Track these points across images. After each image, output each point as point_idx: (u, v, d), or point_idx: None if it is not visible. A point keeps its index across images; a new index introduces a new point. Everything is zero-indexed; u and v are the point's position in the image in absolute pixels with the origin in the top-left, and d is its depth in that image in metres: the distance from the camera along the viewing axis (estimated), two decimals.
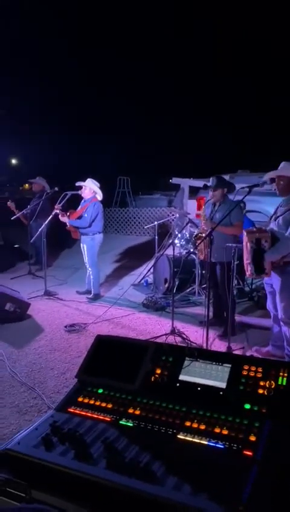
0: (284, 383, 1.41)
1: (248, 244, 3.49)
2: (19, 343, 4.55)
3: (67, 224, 6.16)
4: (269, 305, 4.02)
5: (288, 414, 1.34)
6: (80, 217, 6.09)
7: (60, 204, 6.20)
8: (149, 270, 7.02)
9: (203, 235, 4.51)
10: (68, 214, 6.14)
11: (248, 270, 3.58)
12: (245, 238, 3.64)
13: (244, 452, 1.22)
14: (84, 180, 6.17)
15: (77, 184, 6.20)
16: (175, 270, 5.71)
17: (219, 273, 4.62)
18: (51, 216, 6.28)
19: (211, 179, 4.74)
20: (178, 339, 4.46)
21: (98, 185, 6.20)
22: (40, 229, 6.55)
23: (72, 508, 1.15)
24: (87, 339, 4.57)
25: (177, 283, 5.91)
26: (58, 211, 6.11)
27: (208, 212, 4.78)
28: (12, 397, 3.43)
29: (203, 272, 6.05)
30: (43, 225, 6.42)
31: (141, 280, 7.06)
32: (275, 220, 3.71)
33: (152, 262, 6.97)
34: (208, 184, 4.74)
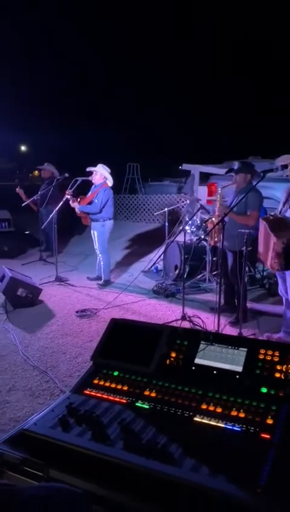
0: None
1: (277, 243, 3.39)
2: (31, 328, 4.59)
3: (77, 210, 6.15)
4: (280, 289, 3.99)
5: None
6: (90, 203, 6.07)
7: (71, 190, 6.18)
8: (159, 257, 7.01)
9: (214, 219, 4.46)
10: (78, 199, 6.13)
11: (275, 266, 3.49)
12: (263, 229, 3.59)
13: (262, 435, 1.22)
14: (94, 166, 6.13)
15: (88, 169, 6.17)
16: (185, 256, 5.69)
17: (231, 261, 4.58)
18: (61, 202, 6.27)
19: (236, 163, 4.65)
20: (189, 325, 4.46)
21: (109, 170, 6.16)
22: (50, 216, 6.56)
23: (90, 488, 1.15)
24: (98, 324, 4.60)
25: (187, 270, 5.88)
26: (69, 197, 6.10)
27: (230, 200, 4.64)
28: (25, 381, 3.47)
29: (214, 258, 6.02)
30: (54, 211, 6.42)
31: (151, 267, 7.05)
32: (289, 207, 3.65)
33: (162, 248, 6.95)
34: (234, 168, 4.62)
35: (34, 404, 3.11)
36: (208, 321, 4.53)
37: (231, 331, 4.40)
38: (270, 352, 1.46)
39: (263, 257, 3.75)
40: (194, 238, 6.27)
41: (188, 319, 4.56)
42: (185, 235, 5.16)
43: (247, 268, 4.96)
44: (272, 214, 3.85)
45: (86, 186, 6.51)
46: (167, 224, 6.92)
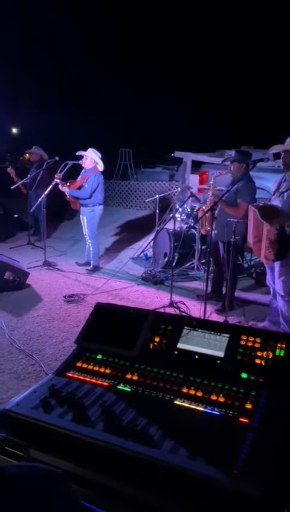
0: (281, 354, 1.42)
1: (271, 230, 3.34)
2: (17, 311, 4.58)
3: (67, 194, 6.09)
4: (269, 279, 4.03)
5: (284, 384, 1.35)
6: (80, 187, 6.03)
7: (61, 174, 6.12)
8: (149, 244, 7.01)
9: (205, 208, 4.46)
10: (68, 183, 6.07)
11: (268, 257, 3.43)
12: (253, 216, 3.58)
13: (240, 419, 1.24)
14: (85, 150, 6.07)
15: (78, 153, 6.11)
16: (175, 244, 5.70)
17: (222, 252, 4.58)
18: (51, 186, 6.21)
19: (232, 152, 4.62)
20: (176, 311, 4.49)
21: (100, 155, 6.10)
22: (39, 199, 6.50)
23: (70, 468, 1.17)
24: (86, 310, 4.61)
25: (176, 257, 5.90)
26: (58, 180, 6.04)
27: (224, 189, 4.61)
28: (10, 363, 3.48)
29: (203, 247, 6.04)
30: (43, 195, 6.36)
31: (140, 253, 7.06)
32: (279, 196, 3.66)
33: (152, 236, 6.94)
34: (230, 156, 4.60)
35: (19, 387, 3.12)
36: (195, 308, 4.57)
37: (217, 318, 4.44)
38: (251, 339, 1.48)
39: (254, 249, 3.74)
40: (184, 226, 6.28)
41: (175, 305, 4.59)
42: (175, 223, 5.16)
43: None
44: (262, 203, 3.87)
45: (77, 171, 6.45)
46: (157, 211, 6.91)
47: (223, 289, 4.71)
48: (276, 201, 3.68)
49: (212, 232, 4.12)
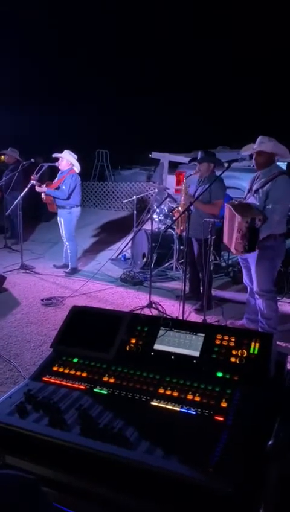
0: (255, 352, 1.44)
1: (242, 222, 3.42)
2: None
3: (43, 196, 6.04)
4: (245, 279, 4.09)
5: (259, 382, 1.38)
6: (57, 189, 5.98)
7: (37, 175, 6.07)
8: (127, 245, 7.01)
9: (181, 208, 4.50)
10: (45, 185, 6.02)
11: (238, 248, 3.52)
12: (228, 213, 3.64)
13: (216, 418, 1.26)
14: (61, 152, 6.03)
15: (54, 155, 6.06)
16: (153, 245, 5.72)
17: (197, 249, 4.64)
18: (26, 188, 6.14)
19: (199, 152, 4.67)
20: (155, 312, 4.51)
21: (76, 156, 6.07)
22: (15, 202, 6.41)
23: (46, 473, 1.16)
24: (64, 313, 4.57)
25: (155, 258, 5.92)
26: (34, 182, 5.98)
27: (192, 189, 4.69)
28: None
29: (181, 247, 6.08)
30: (19, 198, 6.28)
31: (119, 255, 7.05)
32: (254, 194, 3.72)
33: (130, 237, 6.95)
34: (197, 157, 4.65)
35: None
36: (174, 308, 4.60)
37: (195, 318, 4.47)
38: (226, 338, 1.50)
39: (227, 242, 3.80)
40: (162, 227, 6.31)
41: (154, 306, 4.60)
42: (152, 224, 5.17)
43: (212, 257, 5.04)
44: (238, 201, 3.92)
45: (54, 173, 6.40)
46: (135, 212, 6.92)
47: (201, 288, 4.75)
48: (251, 199, 3.74)
49: (188, 231, 4.16)
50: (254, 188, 3.73)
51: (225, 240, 3.85)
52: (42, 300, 4.95)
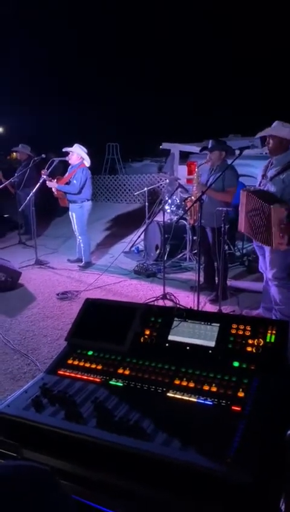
0: (272, 341, 1.41)
1: (280, 212, 3.29)
2: (11, 311, 4.56)
3: (54, 191, 6.06)
4: (261, 266, 4.03)
5: (276, 371, 1.35)
6: (68, 183, 5.99)
7: (48, 171, 6.08)
8: (140, 237, 6.99)
9: (193, 198, 4.45)
10: (56, 180, 6.04)
11: (282, 241, 3.37)
12: (246, 200, 3.55)
13: (233, 408, 1.23)
14: (71, 146, 6.02)
15: (64, 150, 6.06)
16: (166, 236, 5.69)
17: (211, 238, 4.60)
18: (38, 184, 6.16)
19: (210, 141, 4.62)
20: (169, 303, 4.49)
21: (86, 150, 6.06)
22: (28, 198, 6.44)
23: (63, 466, 1.16)
24: (79, 306, 4.55)
25: (168, 249, 5.90)
26: (45, 177, 6.00)
27: (204, 178, 4.63)
28: (5, 364, 3.46)
29: (194, 237, 6.03)
30: (31, 193, 6.31)
31: (131, 247, 7.04)
32: (269, 181, 3.64)
33: (143, 229, 6.93)
34: (208, 146, 4.59)
35: (15, 387, 3.10)
36: (189, 299, 4.57)
37: (210, 308, 4.45)
38: (242, 327, 1.48)
39: (246, 230, 3.71)
40: (174, 218, 6.27)
41: (168, 297, 4.58)
42: (164, 215, 5.14)
43: (226, 246, 4.99)
44: (254, 188, 3.84)
45: (65, 169, 6.40)
46: (147, 204, 6.89)
47: (216, 279, 4.71)
48: (267, 187, 3.66)
49: (200, 220, 4.12)
50: (269, 175, 3.66)
51: (241, 227, 3.79)
52: (57, 294, 4.98)
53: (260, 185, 3.80)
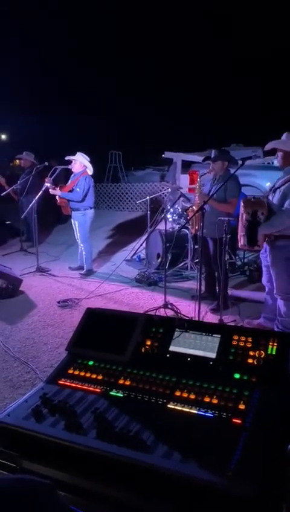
0: (273, 352, 1.41)
1: (244, 214, 3.44)
2: (11, 319, 4.55)
3: (58, 199, 6.08)
4: (264, 280, 4.02)
5: (277, 383, 1.35)
6: (71, 191, 6.02)
7: (51, 178, 6.12)
8: (141, 245, 7.00)
9: (195, 208, 4.46)
10: (59, 188, 6.07)
11: (241, 241, 3.55)
12: (241, 209, 3.61)
13: (234, 420, 1.23)
14: (74, 154, 6.06)
15: (67, 158, 6.10)
16: (167, 245, 5.70)
17: (212, 249, 4.60)
18: (41, 191, 6.20)
19: (212, 151, 4.64)
20: (170, 312, 4.49)
21: (88, 159, 6.10)
22: (30, 205, 6.47)
23: (62, 477, 1.16)
24: (80, 314, 4.55)
25: (169, 258, 5.90)
26: (48, 184, 6.03)
27: (207, 188, 4.64)
28: (5, 372, 3.45)
29: (196, 246, 6.04)
30: (34, 201, 6.34)
31: (133, 255, 7.04)
32: (273, 192, 3.67)
33: (145, 237, 6.94)
34: (211, 156, 4.62)
35: (15, 395, 3.09)
36: (190, 308, 4.57)
37: (212, 318, 4.44)
38: (243, 339, 1.48)
39: (239, 238, 3.78)
40: (176, 227, 6.28)
41: (169, 306, 4.58)
42: (166, 224, 5.15)
43: (228, 256, 4.99)
44: (255, 197, 3.87)
45: (68, 177, 6.44)
46: (149, 212, 6.91)
47: (217, 288, 4.71)
48: (271, 197, 3.70)
49: (202, 230, 4.13)
50: (276, 186, 3.69)
51: (241, 241, 3.81)
52: (58, 302, 4.98)
53: (268, 196, 3.83)
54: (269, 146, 3.82)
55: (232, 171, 4.34)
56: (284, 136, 3.70)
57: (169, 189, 7.21)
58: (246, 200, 3.58)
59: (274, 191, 3.69)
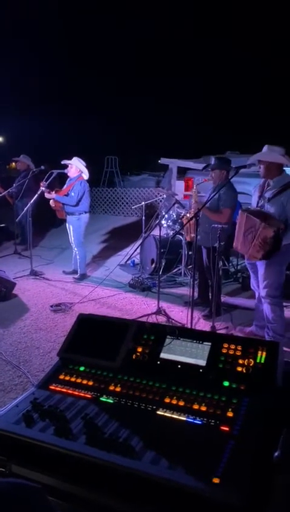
0: (262, 361, 1.43)
1: (268, 230, 3.41)
2: (4, 322, 4.54)
3: (52, 203, 6.10)
4: (252, 283, 4.06)
5: (266, 391, 1.37)
6: (66, 196, 6.04)
7: (46, 182, 6.14)
8: (136, 251, 7.02)
9: (189, 215, 4.49)
10: (54, 192, 6.09)
11: (257, 254, 3.51)
12: (245, 220, 3.61)
13: (222, 428, 1.25)
14: (70, 159, 6.08)
15: (63, 162, 6.13)
16: (162, 250, 5.72)
17: (205, 257, 4.62)
18: (37, 194, 6.21)
19: (212, 158, 4.67)
20: (163, 318, 4.50)
21: (84, 164, 6.12)
22: (25, 208, 6.48)
23: (52, 482, 1.16)
24: (73, 319, 4.56)
25: (163, 264, 5.92)
26: (44, 188, 6.05)
27: (206, 196, 4.66)
28: None
29: (190, 253, 6.07)
30: (29, 204, 6.35)
31: (127, 260, 7.06)
32: (267, 202, 3.70)
33: (139, 242, 6.96)
34: (211, 163, 4.64)
35: (6, 399, 3.09)
36: (183, 315, 4.58)
37: (204, 324, 4.46)
38: (233, 347, 1.50)
39: (241, 248, 3.78)
40: (171, 233, 6.31)
41: (163, 312, 4.60)
42: (160, 229, 5.18)
43: (221, 263, 5.02)
44: (251, 208, 3.90)
45: (64, 181, 6.46)
46: (144, 218, 6.93)
47: (210, 295, 4.73)
48: (266, 207, 3.71)
49: (196, 238, 4.15)
50: (267, 196, 3.71)
51: (237, 246, 3.82)
52: (51, 306, 4.98)
53: (257, 205, 3.85)
54: (251, 160, 3.90)
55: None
56: (265, 149, 3.80)
57: (164, 195, 7.25)
58: (256, 213, 3.57)
59: (269, 200, 3.69)
